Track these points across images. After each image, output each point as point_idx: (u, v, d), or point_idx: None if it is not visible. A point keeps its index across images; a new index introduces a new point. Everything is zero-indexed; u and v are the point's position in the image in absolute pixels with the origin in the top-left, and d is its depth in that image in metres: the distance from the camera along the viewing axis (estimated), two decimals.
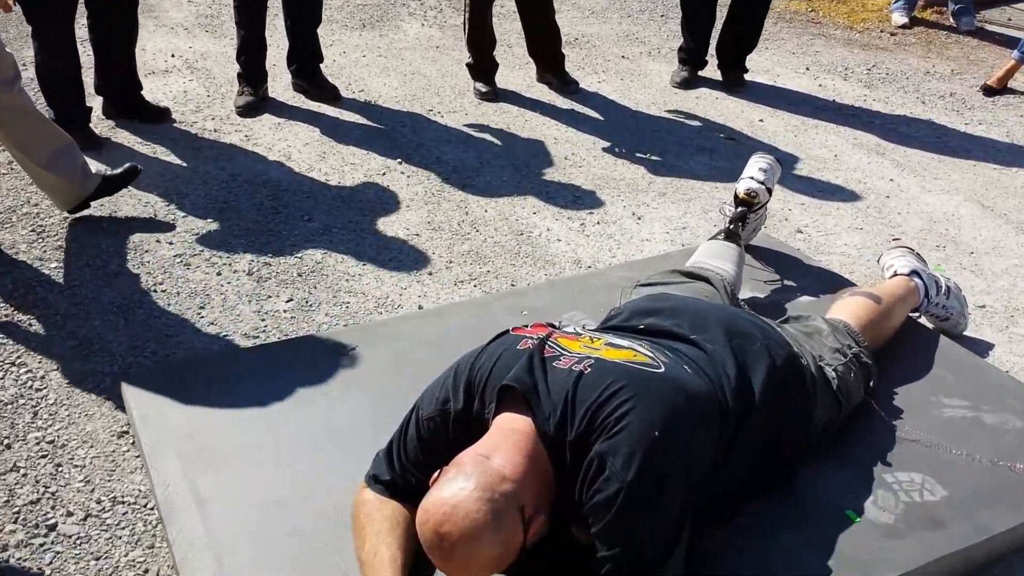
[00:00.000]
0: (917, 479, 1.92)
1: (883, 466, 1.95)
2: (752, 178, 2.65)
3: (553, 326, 1.78)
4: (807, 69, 4.80)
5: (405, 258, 2.92)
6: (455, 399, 1.62)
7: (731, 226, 2.58)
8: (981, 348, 2.53)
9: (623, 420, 1.47)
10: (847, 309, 2.25)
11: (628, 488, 1.42)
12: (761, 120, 4.11)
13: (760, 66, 4.73)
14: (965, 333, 2.56)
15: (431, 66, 4.59)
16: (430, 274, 2.84)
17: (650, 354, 1.65)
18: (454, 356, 1.73)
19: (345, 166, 3.51)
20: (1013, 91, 4.50)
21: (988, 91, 4.50)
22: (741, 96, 4.37)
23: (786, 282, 2.65)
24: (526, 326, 1.76)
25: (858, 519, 1.80)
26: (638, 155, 3.71)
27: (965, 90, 4.53)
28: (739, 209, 2.64)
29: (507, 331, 1.73)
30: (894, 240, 3.09)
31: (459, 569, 1.41)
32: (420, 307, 2.66)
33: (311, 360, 2.23)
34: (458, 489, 1.39)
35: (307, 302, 2.66)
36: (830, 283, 2.65)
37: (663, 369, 1.60)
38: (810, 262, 2.77)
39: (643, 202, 3.33)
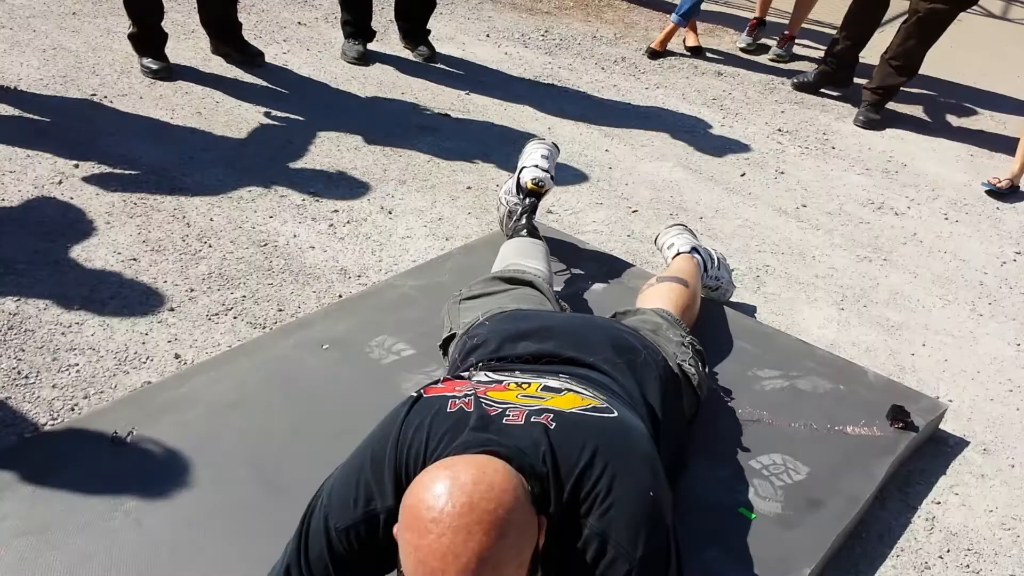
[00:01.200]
0: (778, 460, 1.95)
1: (744, 453, 1.96)
2: (536, 166, 2.51)
3: (460, 377, 1.50)
4: (487, 36, 4.75)
5: (131, 293, 2.36)
6: (381, 496, 1.30)
7: (524, 220, 2.43)
8: (748, 312, 2.65)
9: (612, 490, 1.29)
10: (662, 296, 2.21)
11: (640, 566, 1.24)
12: (468, 92, 3.98)
13: (443, 33, 4.58)
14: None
15: (73, 38, 3.80)
16: (171, 309, 2.32)
17: (591, 395, 1.46)
18: (268, 419, 1.39)
19: (4, 175, 2.77)
20: (672, 53, 4.83)
21: (653, 54, 4.77)
22: (438, 68, 4.20)
23: (573, 270, 2.57)
24: (437, 382, 1.47)
25: (753, 516, 1.78)
26: (361, 139, 3.39)
27: (632, 54, 4.78)
28: (529, 200, 2.49)
29: (418, 396, 1.42)
30: (633, 212, 3.16)
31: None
32: (178, 356, 2.16)
33: (72, 461, 1.69)
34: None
35: (19, 373, 2.04)
36: (611, 267, 2.61)
37: (616, 413, 1.43)
38: (584, 246, 2.71)
39: (387, 193, 3.04)
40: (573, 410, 1.39)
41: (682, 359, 1.93)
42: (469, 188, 3.15)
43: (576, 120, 3.86)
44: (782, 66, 4.85)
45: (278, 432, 1.84)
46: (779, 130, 4.04)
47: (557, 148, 2.62)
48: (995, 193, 3.60)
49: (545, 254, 2.35)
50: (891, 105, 4.32)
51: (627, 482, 1.31)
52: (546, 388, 1.46)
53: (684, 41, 4.93)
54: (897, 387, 2.26)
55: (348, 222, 2.83)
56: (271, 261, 2.58)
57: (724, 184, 3.48)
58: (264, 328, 2.30)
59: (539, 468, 1.28)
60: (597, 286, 2.51)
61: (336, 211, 2.88)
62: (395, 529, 1.19)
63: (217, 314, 2.33)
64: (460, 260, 2.55)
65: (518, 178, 2.54)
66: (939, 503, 2.02)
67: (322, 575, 1.30)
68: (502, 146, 3.47)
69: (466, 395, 1.41)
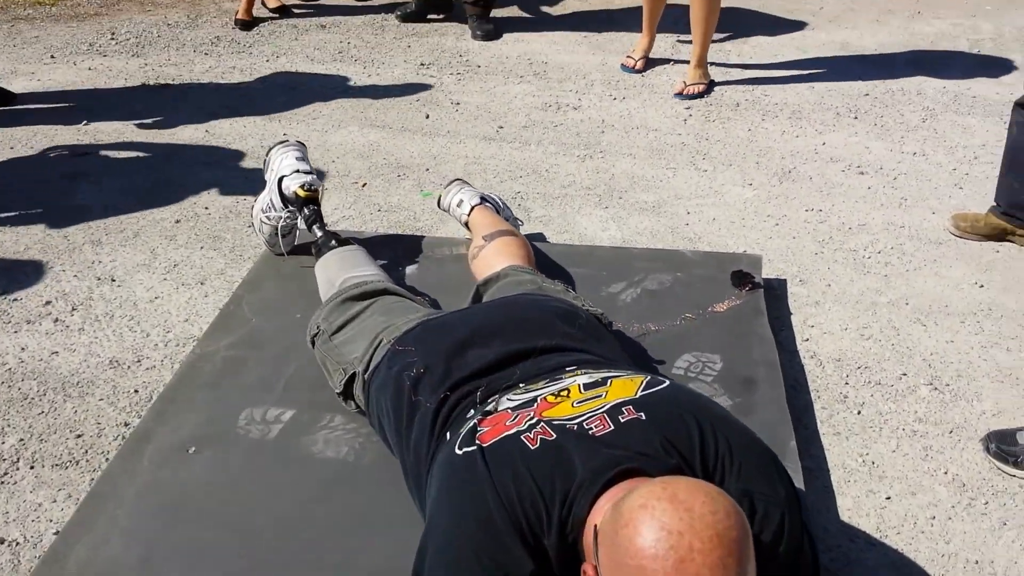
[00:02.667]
0: (691, 359, 1.99)
1: (662, 366, 1.96)
2: (298, 171, 2.22)
3: (487, 414, 1.31)
4: (52, 57, 4.02)
5: None
6: (516, 565, 1.11)
7: (321, 232, 2.16)
8: (539, 239, 2.61)
9: (733, 450, 1.22)
10: (503, 253, 2.11)
11: (788, 507, 1.19)
12: (86, 122, 3.35)
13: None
14: None
15: None
16: None
17: (626, 375, 1.34)
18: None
19: None
20: (261, 19, 4.49)
21: (244, 25, 4.39)
22: (24, 108, 3.48)
23: (379, 262, 2.33)
24: (476, 430, 1.28)
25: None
26: (7, 214, 2.71)
27: (223, 31, 4.33)
28: (310, 209, 2.20)
29: (478, 448, 1.21)
30: (363, 186, 2.95)
31: None
32: (3, 540, 1.60)
33: None
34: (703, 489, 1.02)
35: None
36: (407, 246, 2.42)
37: (666, 381, 1.33)
38: (362, 236, 2.47)
39: (90, 261, 2.48)
40: (639, 395, 1.28)
41: (583, 303, 1.86)
42: (178, 222, 2.69)
43: (232, 117, 3.45)
44: (376, 3, 4.76)
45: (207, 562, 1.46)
46: (422, 64, 3.99)
47: (304, 144, 2.33)
48: (634, 71, 3.90)
49: (369, 257, 2.10)
50: (496, 12, 4.47)
51: (738, 436, 1.24)
52: (586, 387, 1.32)
53: (265, 3, 4.62)
54: (717, 256, 2.41)
55: (73, 310, 2.27)
56: (19, 388, 1.99)
57: (418, 130, 3.36)
58: (77, 462, 1.79)
59: (671, 463, 1.16)
60: (412, 269, 2.32)
61: (48, 303, 2.29)
62: None
63: (6, 474, 1.76)
64: (254, 299, 2.18)
65: (280, 191, 2.22)
66: (807, 339, 2.22)
67: None
68: (167, 166, 3.02)
69: (531, 425, 1.23)
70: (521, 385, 1.40)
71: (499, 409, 1.31)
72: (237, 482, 1.65)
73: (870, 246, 2.63)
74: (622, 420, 1.21)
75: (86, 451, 1.83)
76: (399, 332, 1.68)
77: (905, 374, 2.10)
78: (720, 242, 2.64)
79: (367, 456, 1.71)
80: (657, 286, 2.26)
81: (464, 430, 1.30)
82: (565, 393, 1.30)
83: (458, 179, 2.48)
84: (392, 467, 1.61)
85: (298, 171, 2.20)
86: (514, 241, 2.15)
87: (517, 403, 1.31)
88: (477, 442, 1.23)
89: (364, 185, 2.95)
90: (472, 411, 1.38)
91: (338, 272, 2.01)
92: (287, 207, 2.22)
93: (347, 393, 1.73)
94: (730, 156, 3.17)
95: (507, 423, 1.25)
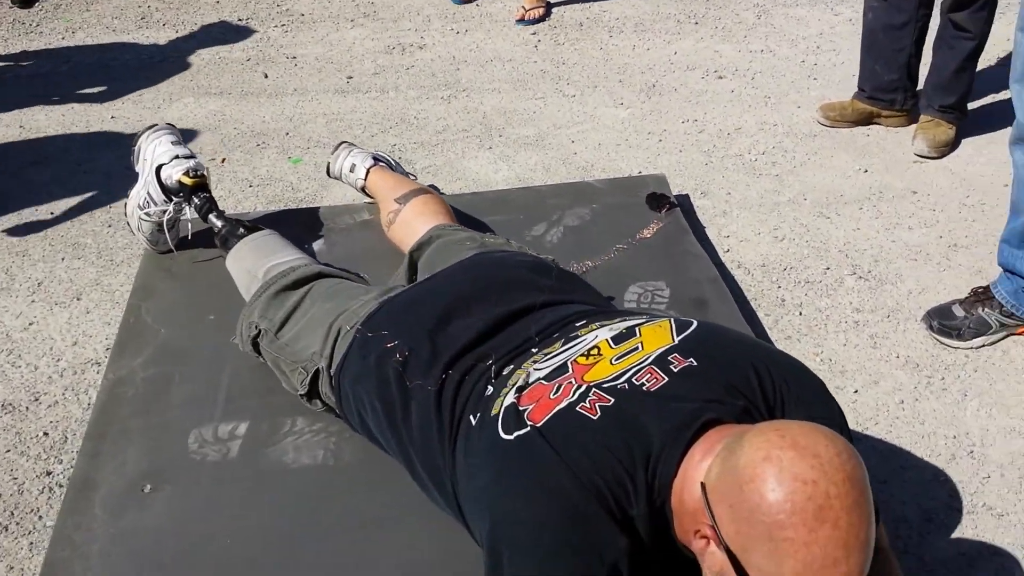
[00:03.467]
0: (638, 290, 1.97)
1: (613, 302, 1.92)
2: (179, 156, 1.98)
3: (521, 389, 1.22)
4: None
5: None
6: (610, 544, 1.04)
7: (222, 222, 1.94)
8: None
9: (788, 380, 1.19)
10: (433, 211, 1.97)
11: (841, 423, 1.19)
12: None
13: None
14: None
15: None
16: None
17: (651, 321, 1.29)
18: None
19: None
20: None
21: (21, 2, 3.87)
22: None
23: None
24: (518, 409, 1.18)
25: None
26: None
27: (2, 12, 3.82)
28: (201, 196, 1.97)
29: (532, 428, 1.13)
30: (223, 161, 2.69)
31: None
32: None
33: None
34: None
35: None
36: (308, 221, 2.22)
37: (693, 320, 1.28)
38: (248, 216, 2.25)
39: None
40: (678, 341, 1.22)
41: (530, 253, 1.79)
42: (25, 235, 2.35)
43: (46, 106, 3.03)
44: None
45: None
46: (239, 19, 3.66)
47: (174, 126, 2.07)
48: (528, 22, 3.66)
49: (285, 241, 1.91)
50: None
51: (786, 366, 1.22)
52: (615, 340, 1.25)
53: None
54: (623, 182, 2.38)
55: None
56: None
57: (260, 92, 3.10)
58: (6, 528, 1.55)
59: (739, 404, 1.12)
60: (319, 246, 2.14)
61: None
62: (736, 544, 0.95)
63: None
64: (154, 307, 1.94)
65: (160, 181, 1.97)
66: (728, 250, 2.25)
67: None
68: None
69: (582, 394, 1.15)
70: (534, 350, 1.31)
71: (531, 381, 1.22)
72: (211, 513, 1.47)
73: (753, 148, 2.69)
74: (674, 370, 1.16)
75: (12, 513, 1.58)
76: (359, 317, 1.54)
77: (828, 268, 2.17)
78: (614, 166, 2.61)
79: (347, 455, 1.57)
80: (578, 221, 2.21)
81: (498, 410, 1.20)
82: (596, 352, 1.23)
83: (344, 142, 2.30)
84: (380, 462, 1.50)
85: (178, 156, 1.96)
86: (430, 199, 2.02)
87: (547, 371, 1.23)
88: (529, 422, 1.14)
89: (224, 160, 2.69)
90: (489, 387, 1.28)
91: (257, 262, 1.81)
92: (170, 198, 1.98)
93: (312, 393, 1.58)
94: (592, 77, 3.13)
95: (551, 396, 1.17)
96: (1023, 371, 1.84)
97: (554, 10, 3.65)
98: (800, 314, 2.03)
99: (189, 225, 2.02)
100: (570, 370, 1.21)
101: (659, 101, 2.96)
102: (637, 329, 1.26)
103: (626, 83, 3.09)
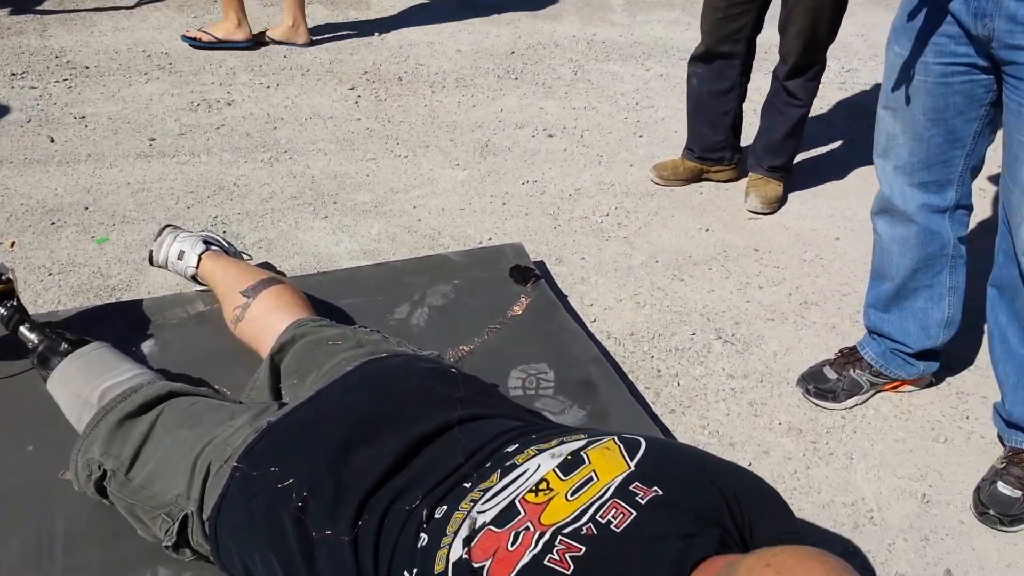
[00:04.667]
0: (521, 375, 1.87)
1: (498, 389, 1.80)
2: None
3: (467, 542, 1.06)
4: None
5: None
6: None
7: (36, 334, 1.63)
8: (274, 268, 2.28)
9: (745, 498, 1.10)
10: (287, 304, 1.77)
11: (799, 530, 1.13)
12: None
13: None
14: None
15: None
16: None
17: (590, 434, 1.18)
18: None
19: None
20: None
21: None
22: None
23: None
24: (465, 562, 1.02)
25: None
26: None
27: None
28: (5, 308, 1.66)
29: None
30: (12, 245, 2.31)
31: None
32: None
33: None
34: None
35: None
36: (135, 316, 1.93)
37: (641, 437, 1.18)
38: (63, 316, 1.93)
39: None
40: (634, 465, 1.11)
41: (411, 349, 1.63)
42: None
43: None
44: None
45: None
46: (13, 75, 3.22)
47: None
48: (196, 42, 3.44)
49: (119, 352, 1.63)
50: None
51: (742, 479, 1.14)
52: (562, 469, 1.12)
53: None
54: (480, 253, 2.27)
55: None
56: None
57: (48, 159, 2.72)
58: None
59: (715, 534, 1.03)
60: (149, 347, 1.85)
61: None
62: None
63: None
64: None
65: None
66: (594, 320, 2.19)
67: None
68: None
69: (546, 542, 1.01)
70: (467, 485, 1.16)
71: (478, 528, 1.07)
72: None
73: (596, 210, 2.66)
74: (641, 502, 1.04)
75: None
76: (234, 449, 1.32)
77: (694, 334, 2.16)
78: (462, 233, 2.50)
79: None
80: (442, 300, 2.07)
81: (443, 567, 1.04)
82: (545, 486, 1.09)
83: (169, 225, 2.04)
84: None
85: None
86: (283, 290, 1.80)
87: (494, 513, 1.08)
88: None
89: (13, 245, 2.32)
90: (423, 535, 1.11)
91: (87, 384, 1.52)
92: None
93: (177, 545, 1.33)
94: (422, 136, 3.01)
95: (509, 547, 1.02)
96: (897, 428, 1.90)
97: (373, 63, 3.49)
98: (678, 384, 1.99)
99: None
100: (522, 511, 1.07)
101: (495, 161, 2.89)
102: (584, 455, 1.14)
103: (458, 142, 2.99)
